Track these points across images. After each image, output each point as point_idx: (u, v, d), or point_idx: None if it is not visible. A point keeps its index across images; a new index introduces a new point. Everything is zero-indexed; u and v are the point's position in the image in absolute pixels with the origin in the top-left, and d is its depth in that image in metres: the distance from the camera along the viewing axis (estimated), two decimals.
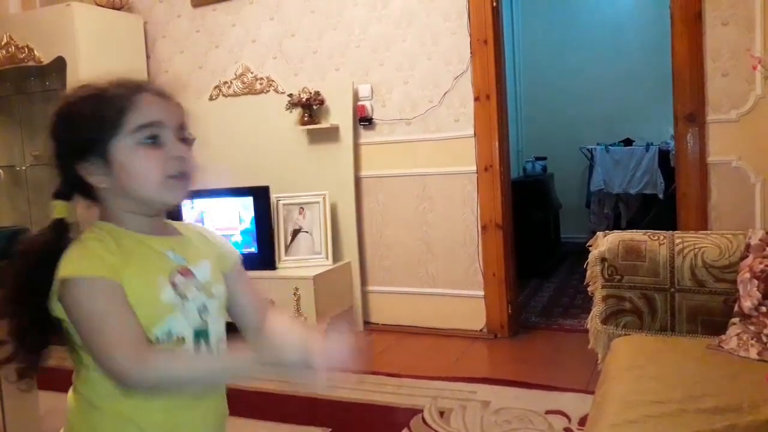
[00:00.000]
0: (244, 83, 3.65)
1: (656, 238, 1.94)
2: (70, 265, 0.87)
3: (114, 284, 0.87)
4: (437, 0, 3.19)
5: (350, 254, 3.42)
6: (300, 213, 3.38)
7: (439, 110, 3.24)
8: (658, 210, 4.50)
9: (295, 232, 3.38)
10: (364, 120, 3.38)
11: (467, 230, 3.24)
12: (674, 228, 2.70)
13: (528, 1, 5.56)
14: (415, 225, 3.36)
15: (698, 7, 2.70)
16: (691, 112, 2.76)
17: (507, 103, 3.30)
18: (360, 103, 3.38)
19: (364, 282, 3.46)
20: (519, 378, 2.59)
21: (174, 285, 0.94)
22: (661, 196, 4.59)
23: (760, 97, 2.64)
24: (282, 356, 0.89)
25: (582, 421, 2.13)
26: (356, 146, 3.41)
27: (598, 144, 5.04)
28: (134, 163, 0.91)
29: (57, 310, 0.90)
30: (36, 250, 0.93)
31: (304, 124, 3.39)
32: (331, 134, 3.40)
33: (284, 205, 3.40)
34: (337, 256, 3.39)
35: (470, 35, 3.13)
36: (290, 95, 3.41)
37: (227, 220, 3.40)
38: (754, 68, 2.61)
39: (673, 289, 1.89)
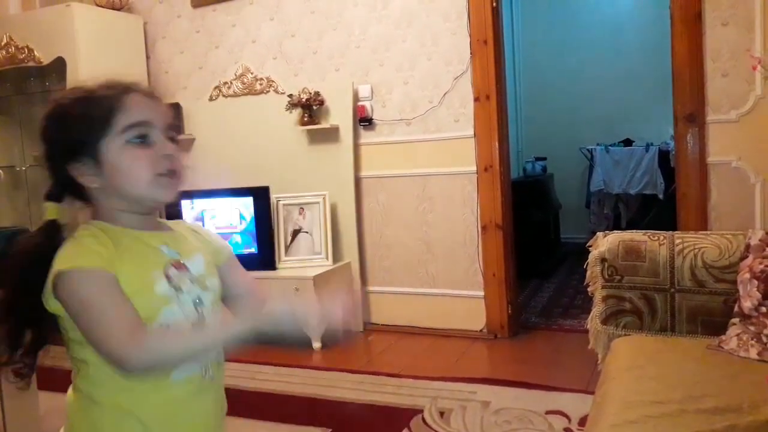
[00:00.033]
0: (244, 84, 3.65)
1: (656, 238, 1.94)
2: (66, 259, 0.89)
3: (108, 274, 0.89)
4: (437, 0, 3.19)
5: (350, 254, 3.42)
6: (300, 213, 3.38)
7: (439, 111, 3.24)
8: (658, 210, 4.49)
9: (295, 233, 3.38)
10: (364, 120, 3.38)
11: (467, 230, 3.24)
12: (674, 228, 2.70)
13: (528, 1, 5.56)
14: (415, 225, 3.36)
15: (698, 8, 2.70)
16: (691, 113, 2.76)
17: (507, 103, 3.30)
18: (360, 103, 3.38)
19: (364, 282, 3.46)
20: (519, 378, 2.59)
21: (168, 278, 0.95)
22: (661, 196, 4.59)
23: (760, 98, 2.64)
24: (272, 315, 0.94)
25: (582, 422, 2.13)
26: (356, 146, 3.41)
27: (598, 144, 5.05)
28: (124, 162, 0.93)
29: (52, 305, 0.91)
30: (29, 250, 0.94)
31: (304, 124, 3.39)
32: (331, 135, 3.40)
33: (284, 205, 3.40)
34: (337, 256, 3.39)
35: (470, 35, 3.13)
36: (290, 96, 3.41)
37: (227, 221, 3.40)
38: (754, 68, 2.61)
39: (673, 290, 1.89)
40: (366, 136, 3.41)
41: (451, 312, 3.29)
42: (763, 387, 1.40)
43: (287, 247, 3.37)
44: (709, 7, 2.69)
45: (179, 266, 0.98)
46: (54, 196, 0.97)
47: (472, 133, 3.17)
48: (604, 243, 1.99)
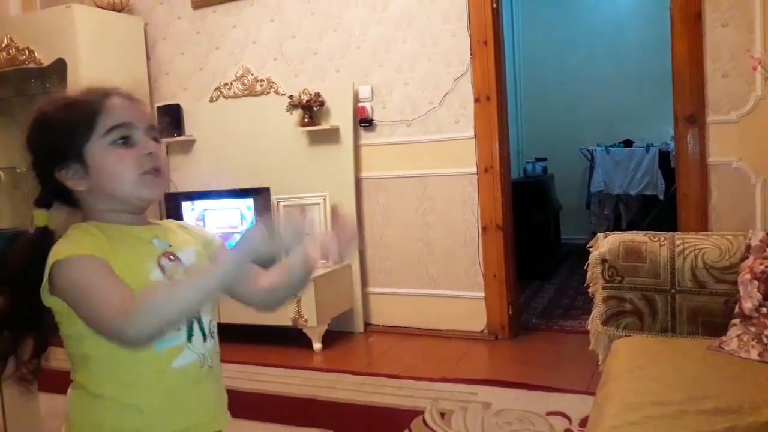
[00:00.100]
0: (245, 85, 3.65)
1: (657, 239, 1.94)
2: (59, 251, 0.91)
3: (101, 259, 0.91)
4: (437, 1, 3.19)
5: (350, 256, 3.42)
6: (300, 214, 3.38)
7: (440, 111, 3.24)
8: (658, 211, 4.49)
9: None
10: (364, 121, 3.38)
11: (468, 231, 3.24)
12: (674, 229, 2.70)
13: (528, 2, 5.57)
14: (415, 226, 3.36)
15: (698, 8, 2.70)
16: (691, 113, 2.76)
17: (507, 104, 3.30)
18: (360, 104, 3.38)
19: (364, 283, 3.46)
20: (520, 379, 2.59)
21: (162, 268, 0.97)
22: (661, 197, 4.60)
23: (760, 98, 2.64)
24: (248, 239, 0.89)
25: (583, 423, 2.13)
26: (356, 147, 3.41)
27: (598, 145, 5.05)
28: (109, 163, 0.95)
29: (48, 300, 0.93)
30: (26, 250, 0.97)
31: (304, 125, 3.39)
32: (332, 136, 3.40)
33: (285, 206, 3.40)
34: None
35: (470, 36, 3.13)
36: (291, 97, 3.41)
37: (228, 221, 3.41)
38: (754, 69, 2.61)
39: (673, 290, 1.89)
40: (366, 137, 3.41)
41: (451, 313, 3.29)
42: (763, 388, 1.39)
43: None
44: (709, 8, 2.69)
45: (171, 257, 1.00)
46: (43, 202, 1.00)
47: (473, 133, 3.17)
48: (605, 244, 1.99)
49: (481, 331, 3.23)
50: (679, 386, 1.44)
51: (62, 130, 0.95)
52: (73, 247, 0.91)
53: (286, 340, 3.25)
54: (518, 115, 5.52)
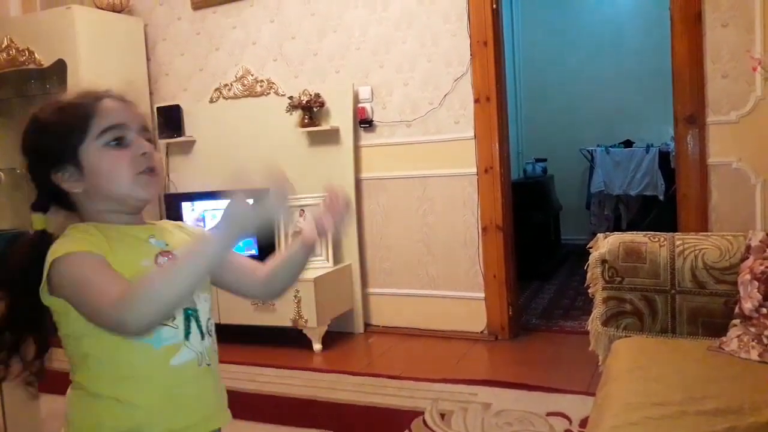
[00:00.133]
0: (245, 86, 3.66)
1: (657, 239, 1.94)
2: (57, 250, 0.91)
3: (99, 255, 0.91)
4: (437, 2, 3.19)
5: (351, 256, 3.42)
6: (300, 215, 3.38)
7: (440, 112, 3.24)
8: (658, 211, 4.49)
9: (296, 234, 3.38)
10: (364, 122, 3.38)
11: (468, 232, 3.24)
12: (674, 229, 2.70)
13: (528, 2, 5.57)
14: (415, 227, 3.36)
15: (698, 9, 2.70)
16: (691, 114, 2.76)
17: (507, 104, 3.30)
18: (360, 105, 3.38)
19: (364, 284, 3.46)
20: (520, 380, 2.59)
21: (159, 266, 0.97)
22: (661, 197, 4.59)
23: (760, 99, 2.64)
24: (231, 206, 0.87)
25: (583, 423, 2.13)
26: (356, 148, 3.41)
27: (598, 145, 5.05)
28: (104, 164, 0.96)
29: (47, 299, 0.94)
30: (26, 251, 0.98)
31: (304, 126, 3.40)
32: (332, 136, 3.40)
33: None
34: (337, 258, 3.39)
35: (470, 37, 3.13)
36: (290, 97, 3.41)
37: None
38: (754, 70, 2.61)
39: (673, 291, 1.89)
40: (366, 138, 3.41)
41: (451, 313, 3.29)
42: (764, 388, 1.39)
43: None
44: (709, 8, 2.69)
45: (168, 255, 1.00)
46: (40, 206, 1.01)
47: (473, 134, 3.17)
48: (605, 244, 1.99)
49: (481, 332, 3.23)
50: (679, 387, 1.44)
51: (56, 133, 0.97)
52: (71, 245, 0.91)
53: (286, 341, 3.25)
54: (518, 115, 5.52)
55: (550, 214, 4.91)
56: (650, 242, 1.94)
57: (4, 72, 3.68)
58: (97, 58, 3.53)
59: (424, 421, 2.29)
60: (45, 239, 0.97)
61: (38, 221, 1.00)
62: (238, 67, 3.67)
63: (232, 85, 3.69)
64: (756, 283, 1.68)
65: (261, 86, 3.61)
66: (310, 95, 3.35)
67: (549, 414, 2.26)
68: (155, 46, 3.91)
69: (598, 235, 2.10)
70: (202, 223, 3.40)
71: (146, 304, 0.83)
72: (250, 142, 3.57)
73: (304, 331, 3.16)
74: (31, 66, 3.59)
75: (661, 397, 1.39)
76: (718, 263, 1.83)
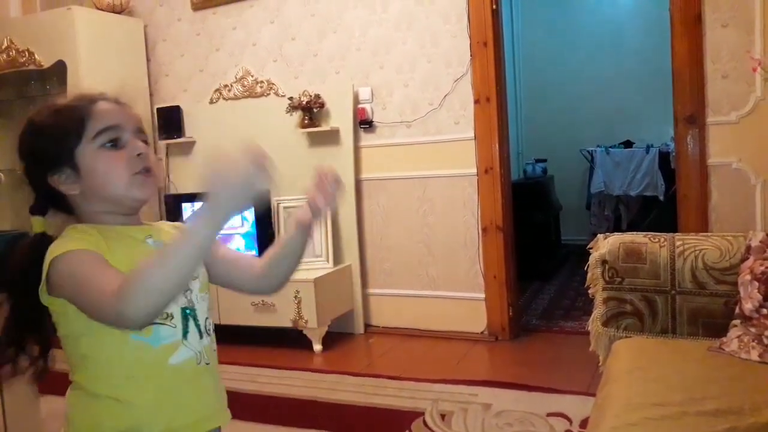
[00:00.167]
0: (245, 86, 3.66)
1: (657, 240, 1.94)
2: (57, 249, 0.92)
3: (97, 253, 0.91)
4: (437, 2, 3.20)
5: (351, 257, 3.42)
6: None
7: (440, 113, 3.24)
8: (658, 212, 4.49)
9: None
10: (364, 123, 3.38)
11: (468, 232, 3.24)
12: (675, 230, 2.70)
13: (528, 2, 5.57)
14: (415, 227, 3.36)
15: (698, 9, 2.70)
16: (691, 114, 2.76)
17: (507, 105, 3.30)
18: (360, 106, 3.38)
19: (364, 285, 3.46)
20: (520, 380, 2.59)
21: None
22: (661, 197, 4.59)
23: (760, 99, 2.64)
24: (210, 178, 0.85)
25: (583, 424, 2.13)
26: (357, 149, 3.41)
27: (598, 146, 5.05)
28: (100, 165, 0.97)
29: (45, 299, 0.94)
30: (26, 252, 0.98)
31: (304, 127, 3.40)
32: (332, 137, 3.40)
33: (285, 207, 3.40)
34: (337, 258, 3.39)
35: (470, 37, 3.13)
36: (290, 98, 3.41)
37: (229, 222, 3.40)
38: (754, 70, 2.61)
39: (673, 291, 1.88)
40: (366, 139, 3.41)
41: (451, 314, 3.29)
42: (764, 389, 1.39)
43: None
44: (709, 9, 2.69)
45: None
46: (38, 209, 1.02)
47: (473, 135, 3.17)
48: (605, 245, 1.99)
49: (482, 333, 3.23)
50: (679, 387, 1.44)
51: (52, 136, 0.97)
52: (70, 244, 0.92)
53: (286, 342, 3.25)
54: (518, 116, 5.53)
55: (550, 214, 4.91)
56: (650, 243, 1.94)
57: (4, 73, 3.68)
58: (97, 59, 3.53)
59: (425, 422, 2.29)
60: (45, 241, 0.97)
61: (38, 224, 1.01)
62: (238, 68, 3.67)
63: (232, 86, 3.69)
64: (756, 284, 1.68)
65: (261, 87, 3.61)
66: (310, 96, 3.35)
67: (549, 414, 2.26)
68: (155, 47, 3.91)
69: (599, 235, 2.10)
70: None
71: (143, 293, 0.81)
72: (251, 143, 3.56)
73: (305, 332, 3.16)
74: (31, 67, 3.59)
75: (661, 397, 1.39)
76: (719, 264, 1.83)
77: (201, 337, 1.02)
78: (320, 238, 3.35)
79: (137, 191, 0.99)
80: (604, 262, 1.96)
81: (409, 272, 3.39)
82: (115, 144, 0.98)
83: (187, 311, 1.01)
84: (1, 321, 1.00)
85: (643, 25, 5.04)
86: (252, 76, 3.63)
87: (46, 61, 3.55)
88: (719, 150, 2.73)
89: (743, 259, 1.78)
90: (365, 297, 3.46)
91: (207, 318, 1.05)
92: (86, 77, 3.46)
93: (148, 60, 3.90)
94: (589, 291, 2.04)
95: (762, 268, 1.70)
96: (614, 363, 1.72)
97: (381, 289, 3.46)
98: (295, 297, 3.10)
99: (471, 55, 3.14)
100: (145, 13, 3.91)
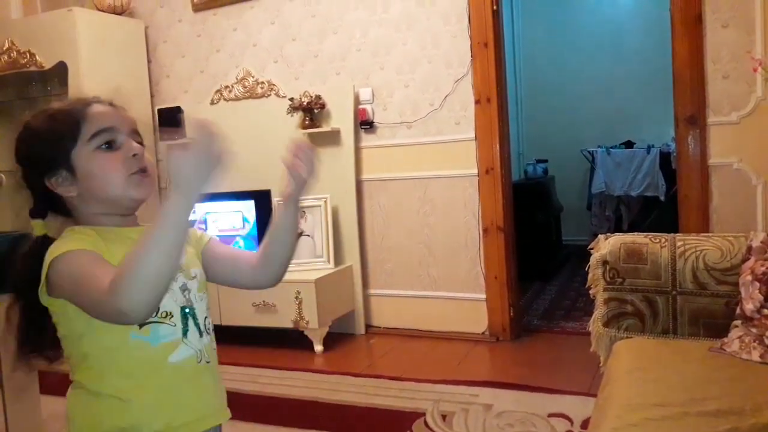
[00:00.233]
0: (246, 87, 3.66)
1: (658, 240, 1.94)
2: (56, 250, 0.93)
3: (96, 253, 0.92)
4: (437, 3, 3.20)
5: (352, 257, 3.42)
6: (301, 216, 3.39)
7: (440, 113, 3.24)
8: (659, 212, 4.49)
9: (297, 236, 3.38)
10: (365, 123, 3.38)
11: (469, 233, 3.24)
12: (676, 230, 2.69)
13: (528, 3, 5.57)
14: (416, 228, 3.36)
15: (698, 9, 2.70)
16: (692, 114, 2.76)
17: (508, 105, 3.30)
18: (361, 106, 3.39)
19: (365, 285, 3.46)
20: (521, 381, 2.59)
21: None
22: (662, 198, 4.59)
23: (761, 99, 2.64)
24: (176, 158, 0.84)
25: (584, 424, 2.12)
26: (357, 150, 3.41)
27: (599, 146, 5.04)
28: (96, 167, 0.98)
29: (45, 299, 0.95)
30: (26, 254, 1.00)
31: (305, 127, 3.40)
32: (333, 138, 3.40)
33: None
34: (338, 259, 3.39)
35: (470, 38, 3.13)
36: (291, 99, 3.41)
37: (230, 224, 3.41)
38: (755, 70, 2.61)
39: (674, 292, 1.88)
40: (367, 139, 3.42)
41: (452, 315, 3.29)
42: (765, 389, 1.39)
43: None
44: (710, 9, 2.69)
45: None
46: (38, 213, 1.03)
47: (473, 135, 3.17)
48: (606, 245, 1.99)
49: (483, 333, 3.23)
50: (680, 388, 1.44)
51: (48, 139, 0.99)
52: (69, 245, 0.93)
53: (287, 342, 3.25)
54: (519, 116, 5.53)
55: (551, 214, 4.91)
56: (651, 243, 1.94)
57: (5, 74, 3.69)
58: (98, 60, 3.54)
59: (426, 423, 2.29)
60: (46, 243, 0.98)
61: (38, 227, 1.02)
62: (239, 69, 3.67)
63: (232, 86, 3.69)
64: (757, 284, 1.68)
65: (262, 88, 3.61)
66: (311, 97, 3.35)
67: (550, 415, 2.26)
68: (156, 48, 3.92)
69: (599, 236, 2.10)
70: (203, 226, 3.40)
71: (134, 285, 0.80)
72: (251, 143, 3.56)
73: (305, 333, 3.16)
74: (32, 68, 3.60)
75: (662, 398, 1.39)
76: (719, 264, 1.83)
77: (201, 335, 1.03)
78: (321, 238, 3.35)
79: (134, 191, 1.00)
80: (605, 262, 1.96)
81: (410, 273, 3.39)
82: (110, 146, 0.99)
83: (186, 310, 1.02)
84: (2, 322, 1.01)
85: (643, 25, 5.04)
86: (253, 77, 3.64)
87: (47, 62, 3.55)
88: (720, 150, 2.73)
89: (744, 260, 1.78)
90: (366, 297, 3.46)
91: (206, 317, 1.06)
92: (87, 78, 3.46)
93: (148, 61, 3.91)
94: (590, 291, 2.04)
95: (763, 268, 1.70)
96: (615, 363, 1.72)
97: (382, 289, 3.46)
98: (296, 297, 3.10)
99: (471, 56, 3.14)
100: (146, 15, 3.91)
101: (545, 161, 5.19)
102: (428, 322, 3.34)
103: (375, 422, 2.37)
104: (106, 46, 3.62)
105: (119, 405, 0.96)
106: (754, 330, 1.64)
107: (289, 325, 3.15)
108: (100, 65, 3.53)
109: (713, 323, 1.82)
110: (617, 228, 4.91)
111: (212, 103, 3.75)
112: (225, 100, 3.72)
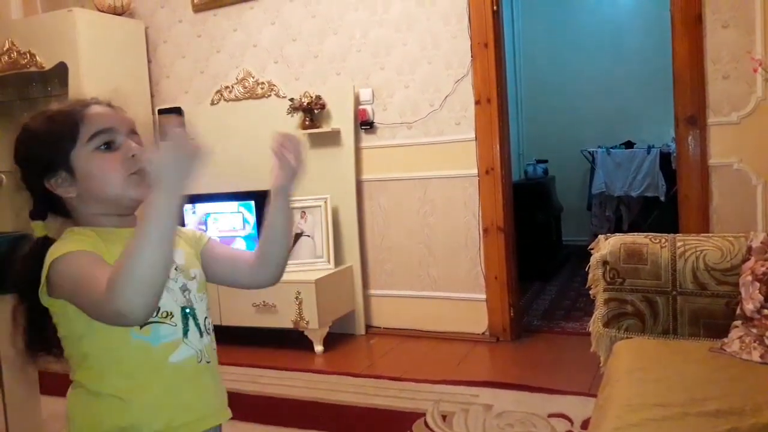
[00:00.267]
0: (246, 88, 3.66)
1: (658, 240, 1.94)
2: (56, 251, 0.93)
3: (95, 254, 0.93)
4: (438, 4, 3.20)
5: (352, 258, 3.42)
6: (302, 217, 3.39)
7: (440, 114, 3.24)
8: (659, 212, 4.49)
9: (297, 236, 3.38)
10: (365, 124, 3.39)
11: (469, 233, 3.24)
12: (676, 230, 2.69)
13: (528, 3, 5.57)
14: (416, 228, 3.36)
15: (698, 10, 2.70)
16: (692, 115, 2.76)
17: (508, 106, 3.30)
18: (361, 107, 3.39)
19: (365, 285, 3.47)
20: (521, 381, 2.59)
21: None
22: (662, 198, 4.59)
23: (761, 100, 2.64)
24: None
25: (584, 425, 2.12)
26: (357, 150, 3.41)
27: (599, 146, 5.04)
28: (95, 168, 0.99)
29: (45, 300, 0.95)
30: (27, 255, 1.00)
31: (305, 128, 3.40)
32: (333, 138, 3.40)
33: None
34: (338, 259, 3.39)
35: (471, 38, 3.13)
36: (291, 99, 3.41)
37: (230, 225, 3.41)
38: (755, 71, 2.61)
39: (675, 292, 1.88)
40: (367, 140, 3.42)
41: (453, 315, 3.29)
42: (765, 389, 1.39)
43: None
44: (710, 9, 2.69)
45: None
46: (38, 214, 1.03)
47: (473, 136, 3.18)
48: (606, 245, 1.99)
49: (483, 333, 3.23)
50: (680, 388, 1.44)
51: (46, 141, 0.99)
52: (69, 246, 0.93)
53: (287, 343, 3.25)
54: (519, 116, 5.52)
55: (551, 215, 4.91)
56: (651, 243, 1.94)
57: (5, 75, 3.69)
58: (98, 61, 3.54)
59: (426, 423, 2.29)
60: (47, 245, 0.98)
61: (38, 228, 1.02)
62: (239, 70, 3.67)
63: (233, 87, 3.69)
64: (757, 284, 1.68)
65: (262, 88, 3.61)
66: (311, 97, 3.35)
67: (550, 415, 2.26)
68: (156, 49, 3.92)
69: (599, 236, 2.10)
70: (203, 227, 3.40)
71: (129, 286, 0.80)
72: (251, 144, 3.56)
73: (306, 333, 3.16)
74: (33, 69, 3.60)
75: (662, 398, 1.39)
76: (720, 264, 1.83)
77: (201, 335, 1.04)
78: (321, 238, 3.35)
79: (133, 191, 1.00)
80: (605, 262, 1.96)
81: (410, 273, 3.39)
82: (109, 146, 0.99)
83: (187, 310, 1.02)
84: (8, 322, 1.02)
85: (643, 25, 5.04)
86: (253, 78, 3.64)
87: (47, 62, 3.55)
88: (720, 151, 2.73)
89: (744, 260, 1.78)
90: (366, 298, 3.46)
91: (207, 317, 1.07)
92: (87, 79, 3.46)
93: (149, 61, 3.91)
94: (590, 292, 2.04)
95: (763, 268, 1.70)
96: (615, 364, 1.72)
97: (382, 289, 3.46)
98: (296, 298, 3.10)
99: (472, 56, 3.14)
100: (146, 15, 3.91)
101: (545, 161, 5.19)
102: (428, 323, 3.34)
103: (375, 422, 2.37)
104: (106, 46, 3.62)
105: (119, 405, 0.96)
106: (754, 330, 1.64)
107: (289, 325, 3.15)
108: (100, 66, 3.53)
109: (713, 323, 1.82)
110: (617, 228, 4.91)
111: (212, 103, 3.76)
112: (225, 100, 3.72)
